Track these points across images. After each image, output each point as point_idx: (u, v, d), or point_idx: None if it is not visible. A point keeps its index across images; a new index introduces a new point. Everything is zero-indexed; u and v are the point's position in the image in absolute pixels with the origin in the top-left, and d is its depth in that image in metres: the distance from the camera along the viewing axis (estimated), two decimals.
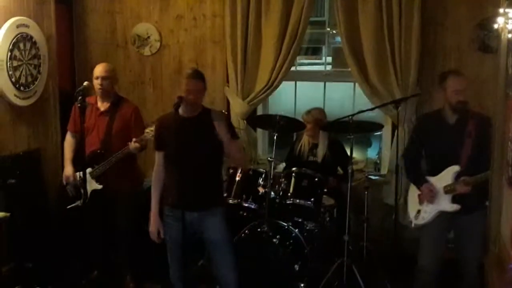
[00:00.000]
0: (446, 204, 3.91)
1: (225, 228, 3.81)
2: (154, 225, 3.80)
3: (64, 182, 4.59)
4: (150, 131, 4.24)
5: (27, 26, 4.78)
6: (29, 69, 4.82)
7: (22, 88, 4.74)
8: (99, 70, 4.52)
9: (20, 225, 4.58)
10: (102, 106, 4.56)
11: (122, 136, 4.44)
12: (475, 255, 3.85)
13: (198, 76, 3.70)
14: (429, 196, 3.96)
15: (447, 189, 3.90)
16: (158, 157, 3.84)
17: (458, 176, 3.87)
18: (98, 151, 4.47)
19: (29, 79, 4.83)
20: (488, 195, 3.71)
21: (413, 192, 4.18)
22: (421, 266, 4.08)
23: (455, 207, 3.87)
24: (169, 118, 3.68)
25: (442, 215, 3.95)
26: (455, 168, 3.87)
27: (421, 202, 4.06)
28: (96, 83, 4.48)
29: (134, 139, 4.34)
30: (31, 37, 4.82)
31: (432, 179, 4.01)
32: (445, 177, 3.92)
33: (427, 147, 4.12)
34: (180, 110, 3.67)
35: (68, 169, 4.58)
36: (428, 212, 4.01)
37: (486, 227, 3.53)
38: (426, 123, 4.19)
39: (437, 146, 4.03)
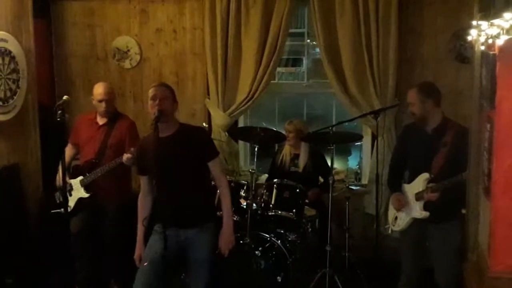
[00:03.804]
0: (416, 211, 3.96)
1: (211, 247, 3.65)
2: (137, 250, 3.71)
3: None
4: None
5: (5, 40, 4.75)
6: (8, 83, 4.78)
7: (1, 102, 4.71)
8: (101, 93, 4.53)
9: (0, 241, 4.53)
10: (101, 120, 4.63)
11: (116, 149, 4.48)
12: (444, 266, 3.89)
13: (162, 84, 3.68)
14: (397, 204, 4.07)
15: (418, 196, 3.95)
16: (142, 182, 3.74)
17: (428, 183, 3.92)
18: (93, 160, 4.52)
19: (8, 93, 4.79)
20: (459, 207, 3.77)
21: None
22: (403, 272, 4.18)
23: (424, 214, 3.91)
24: (148, 140, 3.55)
25: (416, 222, 4.00)
26: (425, 176, 3.91)
27: (396, 209, 4.13)
28: (101, 105, 4.53)
29: (127, 150, 4.34)
30: (10, 52, 4.79)
31: (406, 187, 4.09)
32: (417, 184, 3.97)
33: (408, 155, 4.17)
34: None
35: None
36: (403, 219, 4.08)
37: (465, 237, 3.57)
38: (408, 132, 4.24)
39: (415, 154, 4.08)
